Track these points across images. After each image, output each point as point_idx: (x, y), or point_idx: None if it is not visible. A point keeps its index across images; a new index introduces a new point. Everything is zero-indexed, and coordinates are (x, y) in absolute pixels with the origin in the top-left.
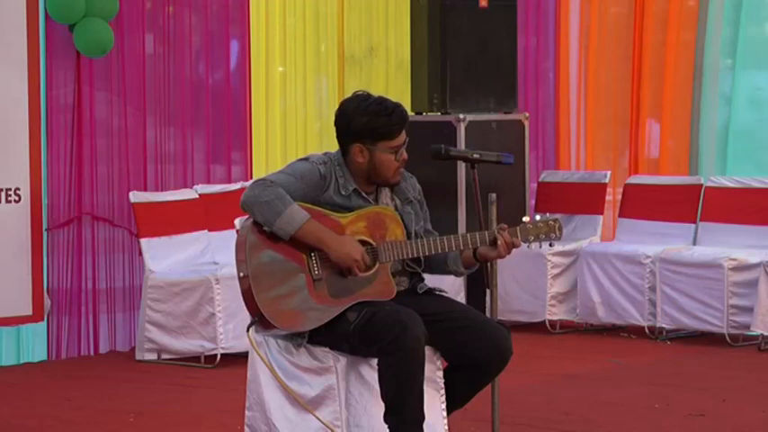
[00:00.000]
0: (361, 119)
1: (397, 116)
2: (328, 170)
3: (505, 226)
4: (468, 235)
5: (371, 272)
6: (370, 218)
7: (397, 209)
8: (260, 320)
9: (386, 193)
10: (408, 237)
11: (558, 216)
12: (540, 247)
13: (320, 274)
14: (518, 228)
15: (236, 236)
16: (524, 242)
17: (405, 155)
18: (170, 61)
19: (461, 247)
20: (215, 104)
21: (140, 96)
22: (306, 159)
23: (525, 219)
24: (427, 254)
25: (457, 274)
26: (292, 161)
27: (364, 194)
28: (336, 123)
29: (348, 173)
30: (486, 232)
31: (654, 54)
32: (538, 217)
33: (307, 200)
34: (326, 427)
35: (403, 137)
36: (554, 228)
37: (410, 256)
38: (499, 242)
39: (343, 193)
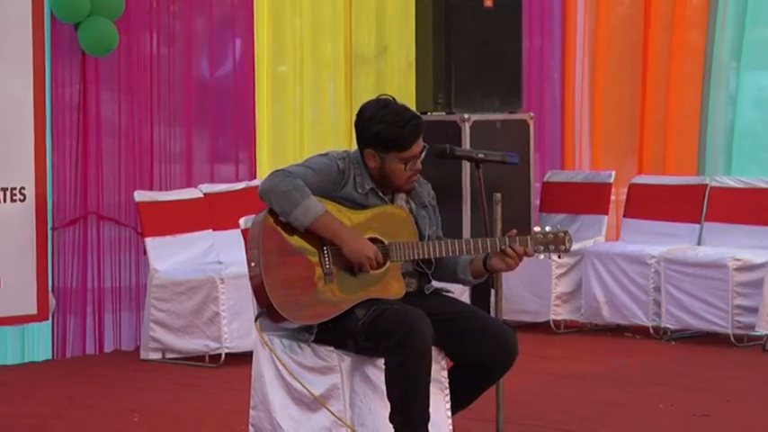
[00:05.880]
0: (375, 127)
1: (410, 129)
2: (347, 166)
3: (515, 232)
4: (480, 240)
5: (382, 270)
6: (383, 217)
7: (411, 212)
8: (268, 312)
9: (401, 196)
10: (421, 240)
11: (567, 228)
12: (550, 258)
13: (331, 269)
14: (528, 237)
15: (240, 235)
16: (534, 252)
17: (418, 165)
18: (175, 60)
19: (472, 252)
20: (220, 104)
21: (146, 96)
22: (325, 155)
23: (536, 228)
24: (437, 256)
25: (465, 283)
26: (311, 155)
27: (380, 194)
28: (354, 125)
29: (366, 172)
30: (498, 239)
31: (660, 54)
32: (548, 228)
33: (324, 194)
34: (337, 418)
35: (416, 149)
36: (564, 240)
37: (420, 257)
38: (509, 253)
39: (360, 191)
